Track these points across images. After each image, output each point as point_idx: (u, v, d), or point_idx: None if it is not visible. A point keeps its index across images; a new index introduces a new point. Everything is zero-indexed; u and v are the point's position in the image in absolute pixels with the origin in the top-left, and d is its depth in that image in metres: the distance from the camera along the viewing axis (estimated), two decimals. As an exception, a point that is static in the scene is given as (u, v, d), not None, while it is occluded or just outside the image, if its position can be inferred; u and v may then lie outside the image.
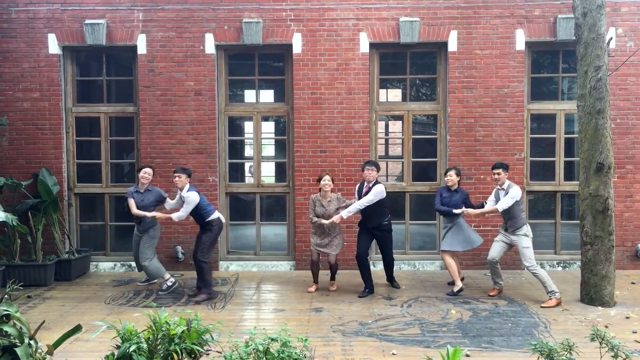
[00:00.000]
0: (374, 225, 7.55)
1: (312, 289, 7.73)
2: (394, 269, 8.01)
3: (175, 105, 8.85)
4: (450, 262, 7.51)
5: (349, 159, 8.78)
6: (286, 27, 8.80)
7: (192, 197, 7.20)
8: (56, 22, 8.83)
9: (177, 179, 7.30)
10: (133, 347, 3.32)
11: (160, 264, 7.79)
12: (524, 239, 7.08)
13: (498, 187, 7.30)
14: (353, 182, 8.70)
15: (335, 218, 7.39)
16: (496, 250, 7.28)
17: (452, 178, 7.58)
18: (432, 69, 9.24)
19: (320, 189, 7.62)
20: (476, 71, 8.76)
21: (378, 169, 7.56)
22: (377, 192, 7.36)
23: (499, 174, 7.21)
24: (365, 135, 8.85)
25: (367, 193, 7.39)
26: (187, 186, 7.32)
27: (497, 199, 7.26)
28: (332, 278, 7.87)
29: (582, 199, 6.97)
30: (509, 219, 7.17)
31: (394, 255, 7.97)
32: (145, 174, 7.64)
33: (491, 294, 7.39)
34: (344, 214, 7.35)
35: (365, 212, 7.46)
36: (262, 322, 6.28)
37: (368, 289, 7.51)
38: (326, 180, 7.53)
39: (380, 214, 7.53)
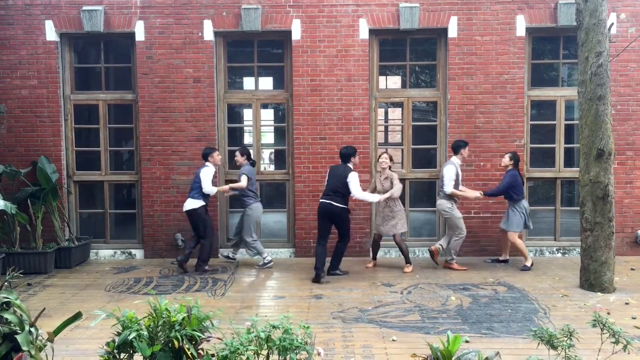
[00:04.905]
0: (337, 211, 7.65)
1: (370, 264, 8.32)
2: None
3: (174, 93, 8.81)
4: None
5: (348, 146, 8.74)
6: (285, 14, 8.73)
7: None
8: (53, 9, 8.76)
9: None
10: (133, 334, 3.33)
11: (260, 244, 8.45)
12: None
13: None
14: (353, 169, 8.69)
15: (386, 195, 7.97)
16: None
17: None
18: (432, 56, 9.18)
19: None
20: (476, 57, 8.72)
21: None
22: None
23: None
24: (365, 122, 8.82)
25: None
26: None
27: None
28: (406, 260, 8.12)
29: (582, 185, 6.96)
30: None
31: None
32: (235, 156, 8.49)
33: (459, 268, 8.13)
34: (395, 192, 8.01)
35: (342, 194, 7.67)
36: (262, 309, 6.29)
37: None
38: (383, 158, 8.09)
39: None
